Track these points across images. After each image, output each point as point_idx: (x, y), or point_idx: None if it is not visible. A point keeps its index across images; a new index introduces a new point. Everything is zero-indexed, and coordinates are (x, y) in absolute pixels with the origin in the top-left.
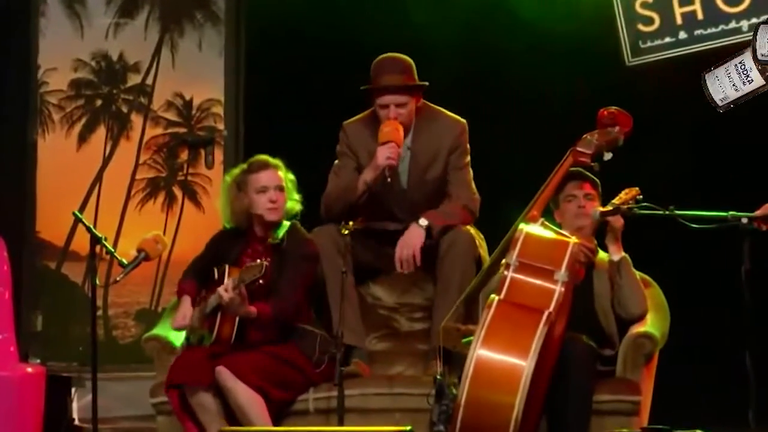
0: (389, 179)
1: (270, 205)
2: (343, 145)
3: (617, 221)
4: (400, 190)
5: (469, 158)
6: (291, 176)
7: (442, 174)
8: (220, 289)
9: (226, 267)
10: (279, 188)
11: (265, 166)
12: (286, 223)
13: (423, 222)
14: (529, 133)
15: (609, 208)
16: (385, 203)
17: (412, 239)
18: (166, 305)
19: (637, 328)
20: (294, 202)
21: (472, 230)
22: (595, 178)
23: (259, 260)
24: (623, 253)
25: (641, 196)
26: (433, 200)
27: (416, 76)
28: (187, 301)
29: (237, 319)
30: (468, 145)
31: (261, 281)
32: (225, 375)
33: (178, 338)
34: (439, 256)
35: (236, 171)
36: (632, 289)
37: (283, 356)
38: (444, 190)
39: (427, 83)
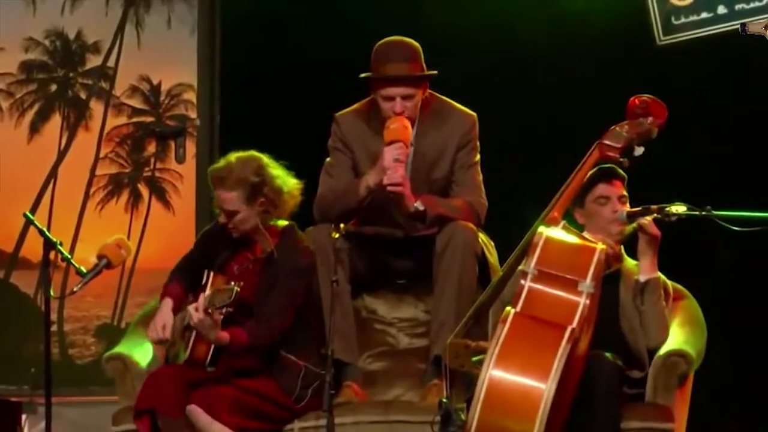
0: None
1: (227, 226)
2: (336, 139)
3: (650, 227)
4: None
5: (478, 157)
6: (276, 170)
7: (449, 173)
8: (191, 308)
9: (211, 275)
10: (227, 212)
11: (214, 184)
12: (282, 223)
13: (418, 205)
14: (546, 124)
15: (637, 208)
16: (384, 206)
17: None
18: (131, 320)
19: (670, 346)
20: (288, 198)
21: (482, 235)
22: (624, 174)
23: (232, 283)
24: (656, 273)
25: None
26: None
27: (424, 64)
28: (167, 305)
29: None
30: (478, 142)
31: (230, 309)
32: (198, 413)
33: (144, 358)
34: (435, 253)
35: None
36: (654, 319)
37: (262, 392)
38: (446, 195)
39: (436, 72)
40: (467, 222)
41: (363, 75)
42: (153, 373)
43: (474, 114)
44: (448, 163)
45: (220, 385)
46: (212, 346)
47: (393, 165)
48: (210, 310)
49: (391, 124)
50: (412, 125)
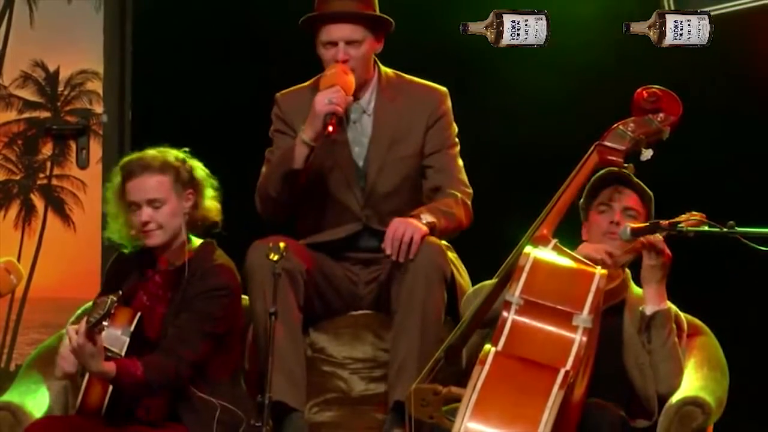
0: (333, 134)
1: (140, 228)
2: (277, 120)
3: (656, 247)
4: (356, 172)
5: (456, 138)
6: (200, 170)
7: (416, 153)
8: (70, 329)
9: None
10: (153, 203)
11: (133, 172)
12: (196, 241)
13: (426, 217)
14: (535, 121)
15: (644, 224)
16: (334, 191)
17: (413, 224)
18: (22, 361)
19: (684, 392)
20: (210, 208)
21: (450, 253)
22: (647, 190)
23: (111, 295)
24: (666, 304)
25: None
26: (402, 192)
27: (377, 8)
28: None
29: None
30: (452, 120)
31: (105, 323)
32: None
33: (39, 407)
34: (395, 276)
35: (117, 175)
36: (665, 360)
37: None
38: (417, 182)
39: (391, 20)
40: (462, 229)
41: (302, 18)
42: (26, 429)
43: (443, 89)
44: (417, 142)
45: None
46: (109, 391)
47: (327, 107)
48: (95, 335)
49: (328, 71)
50: (365, 87)
